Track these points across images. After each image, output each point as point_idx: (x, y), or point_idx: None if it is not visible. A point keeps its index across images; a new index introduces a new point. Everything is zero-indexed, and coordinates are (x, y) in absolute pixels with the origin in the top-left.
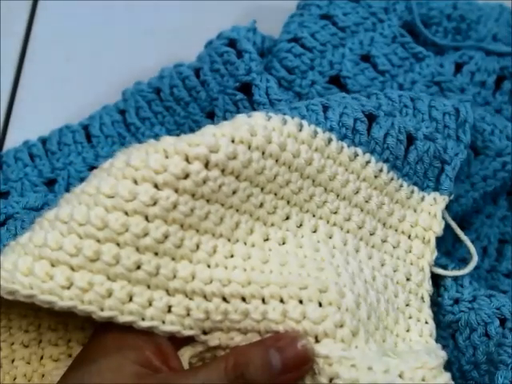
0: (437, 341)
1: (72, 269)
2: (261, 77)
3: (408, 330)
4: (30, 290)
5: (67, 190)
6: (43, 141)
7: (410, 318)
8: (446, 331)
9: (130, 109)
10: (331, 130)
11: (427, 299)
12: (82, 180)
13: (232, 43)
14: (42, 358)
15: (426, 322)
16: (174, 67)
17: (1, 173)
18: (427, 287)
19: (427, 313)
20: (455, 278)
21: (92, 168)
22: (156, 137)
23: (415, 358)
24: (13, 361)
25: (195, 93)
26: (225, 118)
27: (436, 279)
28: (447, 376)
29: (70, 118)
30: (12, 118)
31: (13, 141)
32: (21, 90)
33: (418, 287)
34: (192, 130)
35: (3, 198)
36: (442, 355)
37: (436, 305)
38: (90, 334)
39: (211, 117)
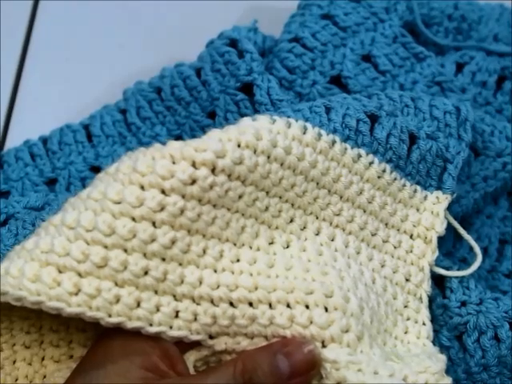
0: (441, 342)
1: (79, 275)
2: (262, 77)
3: (406, 332)
4: (37, 296)
5: (68, 189)
6: (44, 140)
7: (408, 319)
8: (451, 333)
9: (131, 108)
10: (334, 131)
11: (425, 300)
12: (82, 180)
13: (233, 43)
14: (43, 359)
15: (424, 324)
16: (174, 67)
17: (1, 172)
18: (426, 287)
19: (425, 314)
20: (461, 280)
21: (93, 168)
22: (157, 137)
23: (418, 362)
24: (14, 362)
25: (196, 93)
26: (226, 118)
27: (441, 282)
28: (449, 380)
29: (70, 118)
30: (13, 117)
31: (13, 140)
32: (21, 89)
33: (417, 288)
34: (193, 130)
35: (4, 197)
36: (442, 359)
37: (442, 307)
38: (92, 336)
39: (212, 117)
